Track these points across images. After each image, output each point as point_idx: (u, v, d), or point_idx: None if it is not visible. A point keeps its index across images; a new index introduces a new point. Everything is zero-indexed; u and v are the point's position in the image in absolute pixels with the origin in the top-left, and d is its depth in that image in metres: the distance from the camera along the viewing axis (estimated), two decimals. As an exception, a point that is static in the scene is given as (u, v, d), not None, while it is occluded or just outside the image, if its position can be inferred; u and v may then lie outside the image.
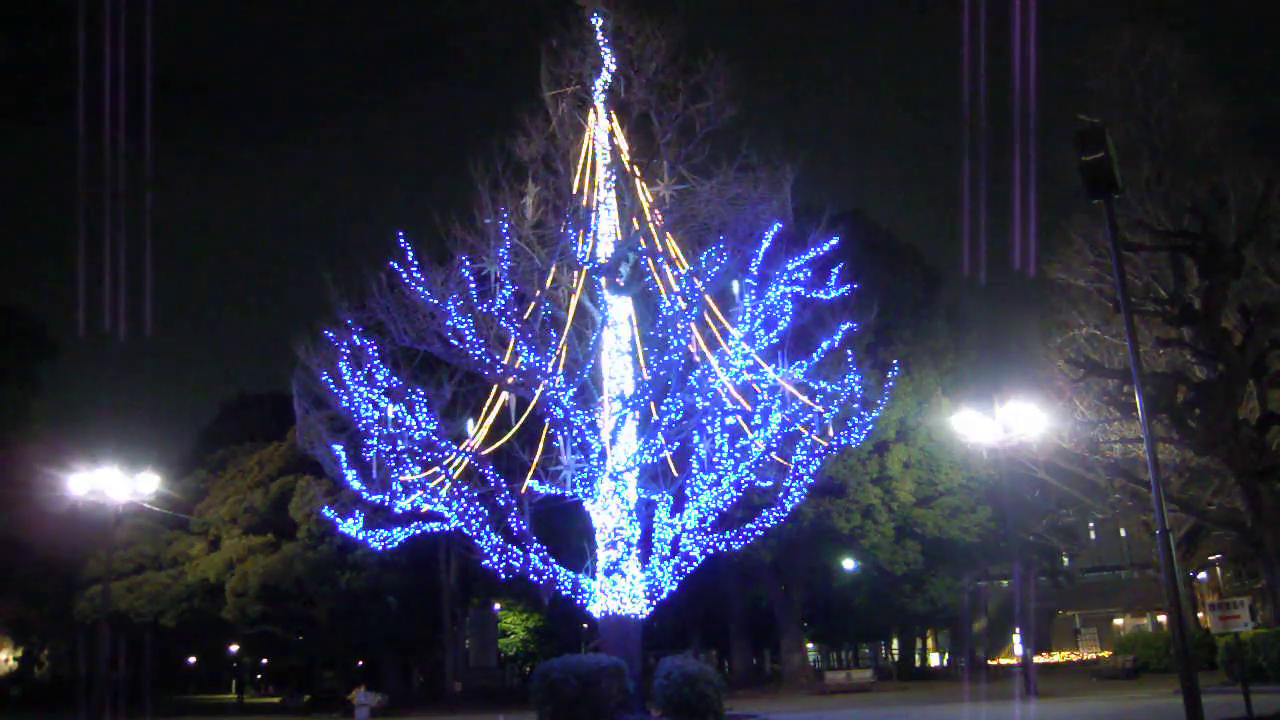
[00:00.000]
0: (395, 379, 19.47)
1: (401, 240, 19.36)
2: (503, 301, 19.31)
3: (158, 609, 47.26)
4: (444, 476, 20.04)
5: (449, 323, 19.08)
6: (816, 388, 20.97)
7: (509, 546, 20.30)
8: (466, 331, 19.14)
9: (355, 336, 19.35)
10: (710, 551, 21.15)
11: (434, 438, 19.50)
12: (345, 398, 19.35)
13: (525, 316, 19.68)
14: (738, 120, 22.09)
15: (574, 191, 21.93)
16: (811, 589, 47.59)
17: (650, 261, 21.16)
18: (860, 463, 40.20)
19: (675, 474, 21.25)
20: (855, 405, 21.32)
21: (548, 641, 60.60)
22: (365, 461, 20.46)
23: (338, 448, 20.35)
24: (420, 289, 19.16)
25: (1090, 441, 30.95)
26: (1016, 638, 48.82)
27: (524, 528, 19.86)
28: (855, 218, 42.78)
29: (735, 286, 20.57)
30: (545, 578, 20.22)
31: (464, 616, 52.47)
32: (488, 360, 19.51)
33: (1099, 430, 30.61)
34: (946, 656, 71.85)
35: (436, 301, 19.07)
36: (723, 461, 20.49)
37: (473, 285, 19.30)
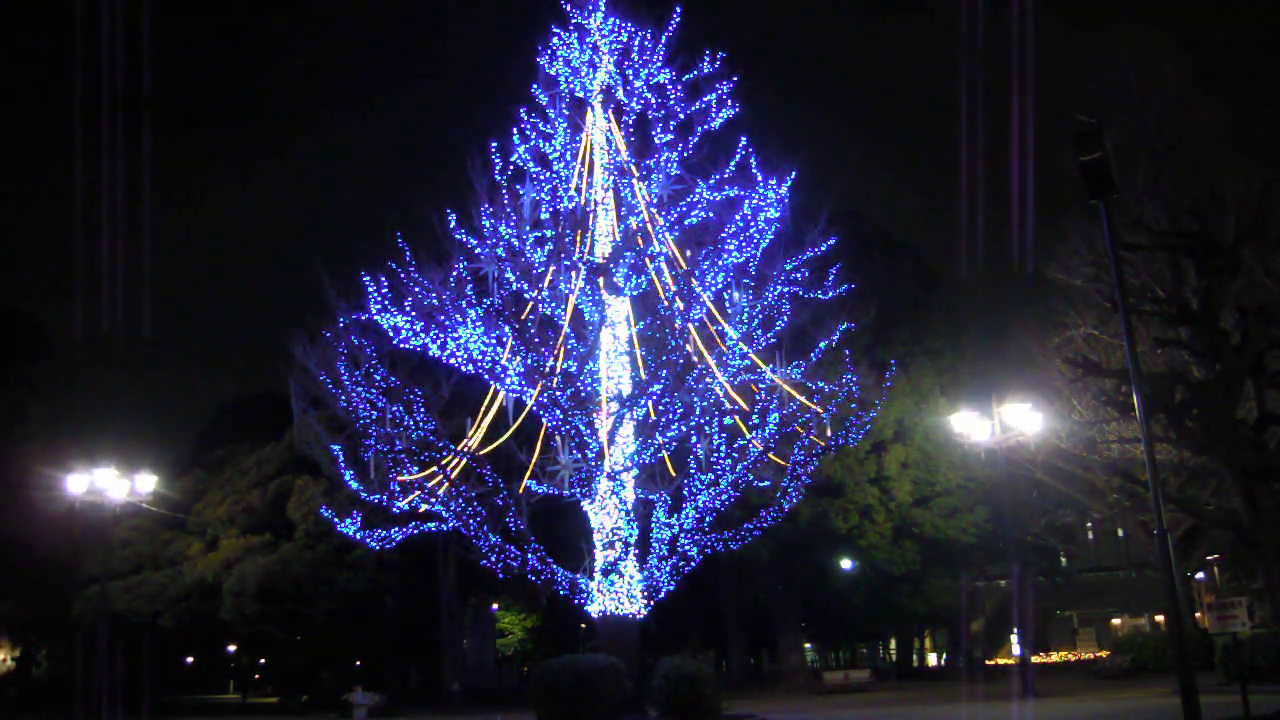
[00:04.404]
0: (393, 379, 19.45)
1: (399, 240, 19.35)
2: (500, 302, 19.30)
3: (155, 609, 47.19)
4: (442, 476, 20.02)
5: (446, 322, 19.08)
6: (814, 387, 20.98)
7: (507, 546, 20.29)
8: (464, 331, 19.14)
9: (352, 336, 19.34)
10: (708, 551, 21.16)
11: (432, 438, 19.49)
12: (343, 397, 19.34)
13: (523, 316, 19.66)
14: (736, 120, 22.13)
15: (571, 191, 21.92)
16: (809, 589, 47.61)
17: (648, 261, 21.15)
18: (858, 463, 40.21)
19: (673, 474, 21.24)
20: (853, 405, 21.32)
21: (546, 641, 60.61)
22: (363, 461, 20.44)
23: (335, 447, 20.36)
24: (418, 289, 19.15)
25: (1088, 441, 30.97)
26: (1014, 638, 48.86)
27: (522, 527, 19.86)
28: (853, 217, 42.78)
29: (733, 286, 20.60)
30: (543, 578, 20.21)
31: (462, 616, 52.47)
32: (486, 361, 19.51)
33: (1097, 430, 30.62)
34: (944, 656, 71.94)
35: (434, 301, 19.06)
36: (720, 461, 20.49)
37: (470, 285, 19.29)
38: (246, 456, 50.64)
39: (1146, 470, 14.34)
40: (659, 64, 22.45)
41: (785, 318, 20.74)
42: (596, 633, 21.46)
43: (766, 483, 22.17)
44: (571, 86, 23.12)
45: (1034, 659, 42.35)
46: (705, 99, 22.09)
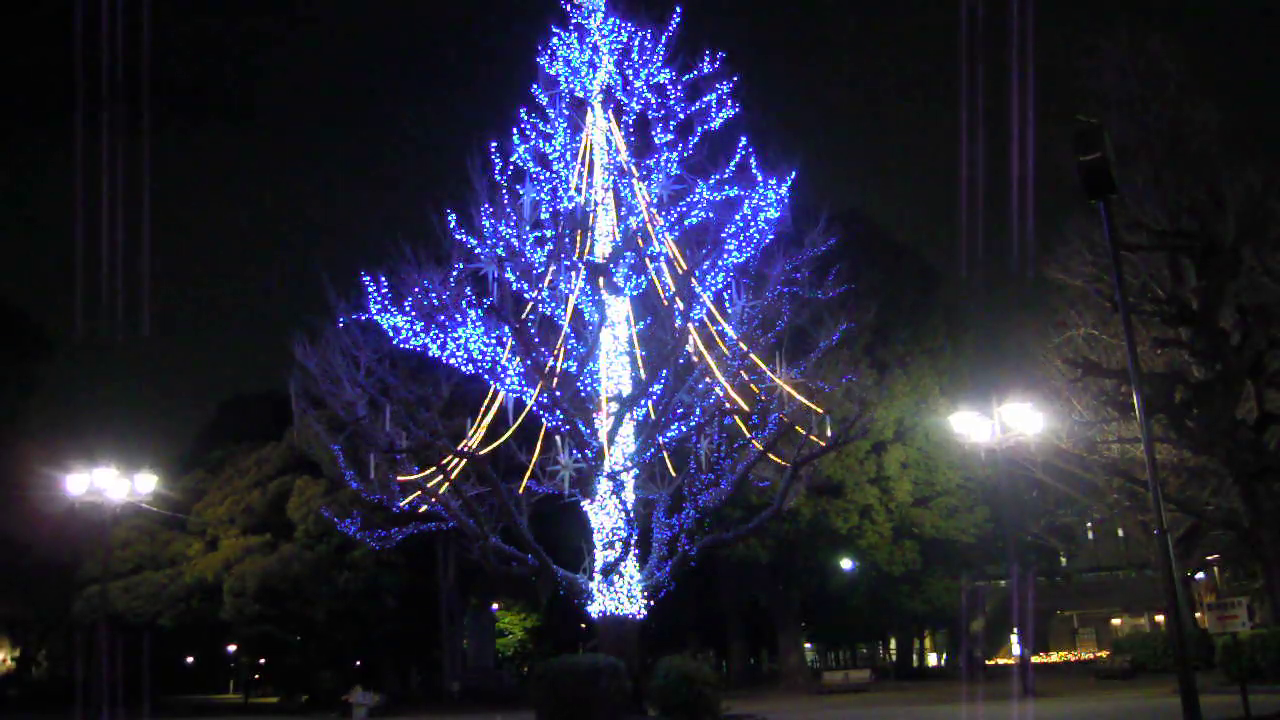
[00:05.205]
0: (393, 378, 19.45)
1: (400, 240, 19.36)
2: (500, 301, 19.29)
3: (155, 609, 47.18)
4: (442, 476, 20.02)
5: (446, 322, 19.07)
6: (814, 387, 20.97)
7: (507, 546, 20.31)
8: (464, 331, 19.14)
9: (352, 336, 19.36)
10: (708, 551, 21.14)
11: (431, 437, 19.48)
12: (343, 397, 19.36)
13: (523, 316, 19.65)
14: (736, 120, 22.11)
15: (571, 191, 21.92)
16: (809, 589, 47.65)
17: (648, 261, 21.15)
18: (858, 463, 40.23)
19: (673, 474, 21.25)
20: (853, 405, 21.32)
21: (545, 642, 60.60)
22: (363, 461, 20.46)
23: (335, 447, 20.37)
24: (418, 289, 19.14)
25: (1088, 441, 30.96)
26: (1014, 638, 48.83)
27: (522, 527, 19.86)
28: (853, 217, 42.76)
29: (733, 286, 20.59)
30: (543, 578, 20.18)
31: (462, 616, 52.39)
32: (486, 361, 19.51)
33: (1097, 430, 30.61)
34: (944, 656, 71.95)
35: (434, 301, 19.05)
36: (721, 462, 20.47)
37: (470, 285, 19.28)
38: (246, 456, 50.62)
39: (1146, 470, 14.33)
40: (659, 64, 22.43)
41: (785, 318, 20.73)
42: (596, 633, 21.45)
43: (766, 482, 22.20)
44: (571, 86, 23.11)
45: (1034, 659, 42.36)
46: (705, 99, 22.06)
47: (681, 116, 21.99)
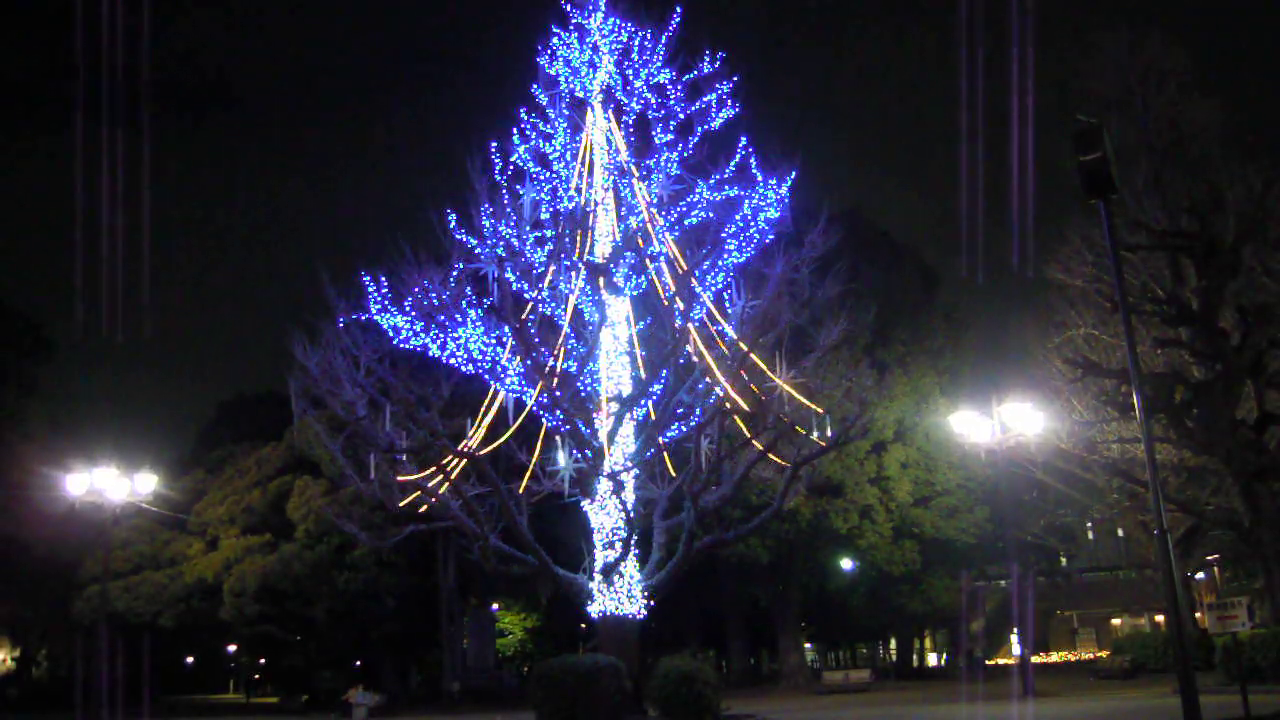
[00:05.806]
0: (393, 378, 19.46)
1: (400, 240, 19.37)
2: (500, 302, 19.30)
3: (155, 609, 47.18)
4: (442, 476, 20.02)
5: (446, 322, 19.08)
6: (814, 387, 20.96)
7: (506, 546, 20.30)
8: (464, 331, 19.14)
9: (352, 336, 19.36)
10: (708, 551, 21.12)
11: (431, 437, 19.49)
12: (343, 397, 19.36)
13: (523, 316, 19.65)
14: (736, 120, 22.10)
15: (571, 191, 21.92)
16: (809, 589, 47.65)
17: (648, 261, 21.14)
18: (858, 463, 40.23)
19: (673, 474, 21.24)
20: (853, 405, 21.32)
21: (546, 642, 60.63)
22: (363, 461, 20.46)
23: (335, 447, 20.37)
24: (418, 289, 19.14)
25: (1088, 441, 30.97)
26: (1014, 638, 48.87)
27: (522, 527, 19.87)
28: (853, 217, 42.74)
29: (733, 286, 20.60)
30: (543, 578, 20.19)
31: (462, 616, 52.42)
32: (486, 361, 19.52)
33: (1097, 430, 30.62)
34: (944, 656, 71.97)
35: (434, 301, 19.06)
36: (720, 462, 20.48)
37: (470, 285, 19.29)
38: (246, 457, 50.61)
39: (1146, 470, 14.32)
40: (659, 64, 22.44)
41: (785, 318, 20.71)
42: (596, 633, 21.45)
43: (766, 483, 22.18)
44: (571, 86, 23.12)
45: (1034, 659, 42.37)
46: (705, 99, 22.06)
47: (681, 116, 21.99)
